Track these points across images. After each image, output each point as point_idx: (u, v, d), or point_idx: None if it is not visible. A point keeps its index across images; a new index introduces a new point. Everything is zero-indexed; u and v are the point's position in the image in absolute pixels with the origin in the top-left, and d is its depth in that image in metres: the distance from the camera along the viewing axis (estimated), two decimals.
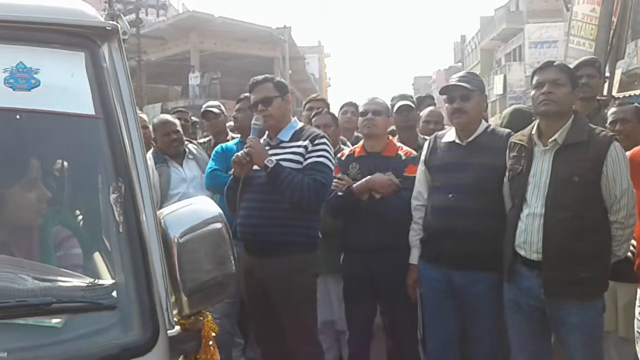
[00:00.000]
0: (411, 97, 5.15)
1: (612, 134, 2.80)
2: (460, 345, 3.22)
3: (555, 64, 2.88)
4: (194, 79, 26.10)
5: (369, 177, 3.41)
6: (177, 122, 4.60)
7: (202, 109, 5.10)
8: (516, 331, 2.92)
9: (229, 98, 4.66)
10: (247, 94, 4.28)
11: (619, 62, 7.79)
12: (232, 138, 4.59)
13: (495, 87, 35.37)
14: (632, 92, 11.40)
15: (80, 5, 1.55)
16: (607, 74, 6.51)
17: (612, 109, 3.45)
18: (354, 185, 3.42)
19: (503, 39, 40.56)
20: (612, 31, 6.97)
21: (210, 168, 4.14)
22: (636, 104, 3.53)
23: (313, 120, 4.15)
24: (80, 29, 1.48)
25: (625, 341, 3.01)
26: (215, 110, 4.94)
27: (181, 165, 4.45)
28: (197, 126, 6.93)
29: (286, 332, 3.21)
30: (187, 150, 4.59)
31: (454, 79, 3.18)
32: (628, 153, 2.83)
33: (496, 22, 40.78)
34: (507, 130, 3.27)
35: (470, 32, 52.12)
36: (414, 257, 3.29)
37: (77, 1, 1.58)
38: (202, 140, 5.45)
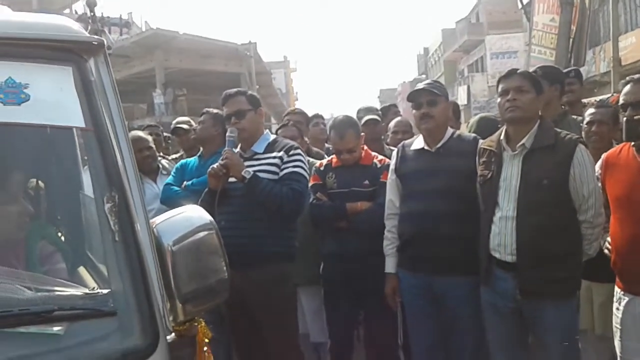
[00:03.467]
0: (377, 109, 5.28)
1: (577, 137, 2.90)
2: (444, 348, 3.27)
3: (518, 71, 2.97)
4: (158, 97, 25.90)
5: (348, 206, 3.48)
6: (149, 138, 4.60)
7: (172, 126, 5.12)
8: (494, 333, 2.97)
9: (196, 114, 4.69)
10: (210, 109, 4.33)
11: (580, 69, 8.04)
12: None
13: (460, 97, 35.95)
14: (592, 99, 11.70)
15: (66, 21, 1.58)
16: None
17: (591, 110, 3.49)
18: (348, 205, 3.48)
19: (465, 51, 41.36)
20: (571, 40, 7.21)
21: (165, 183, 4.16)
22: (614, 107, 3.59)
23: (279, 132, 4.22)
24: (67, 44, 1.50)
25: (602, 339, 3.09)
26: (185, 126, 4.96)
27: (155, 181, 4.45)
28: (169, 141, 6.91)
29: (268, 342, 3.22)
30: (160, 166, 4.59)
31: (420, 86, 3.27)
32: (603, 155, 2.92)
33: (458, 34, 41.61)
34: (473, 134, 3.38)
35: (433, 44, 52.98)
36: (390, 266, 3.32)
37: (62, 17, 1.61)
38: (174, 156, 5.45)
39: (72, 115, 1.43)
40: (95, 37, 1.56)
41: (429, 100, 3.16)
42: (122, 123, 1.50)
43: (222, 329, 3.82)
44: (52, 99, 1.45)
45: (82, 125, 1.43)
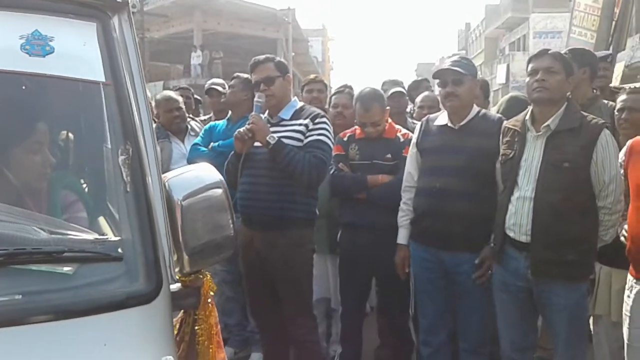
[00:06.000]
0: (402, 82, 5.25)
1: (603, 121, 2.86)
2: (451, 322, 3.32)
3: (550, 52, 2.93)
4: (196, 58, 26.04)
5: (369, 178, 3.52)
6: (179, 99, 4.69)
7: (207, 86, 5.17)
8: (504, 311, 3.00)
9: (231, 78, 4.70)
10: (239, 74, 4.37)
11: (620, 54, 7.80)
12: None
13: (499, 76, 35.28)
14: (634, 85, 11.35)
15: None
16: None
17: (622, 96, 3.41)
18: (369, 177, 3.52)
19: (508, 28, 40.39)
20: (613, 23, 6.98)
21: (193, 143, 4.24)
22: None
23: (333, 97, 4.23)
24: (93, 1, 1.55)
25: (616, 325, 3.09)
26: (219, 88, 5.00)
27: (183, 141, 4.55)
28: (200, 104, 7.00)
29: (282, 304, 3.31)
30: (189, 127, 4.68)
31: (446, 64, 3.24)
32: (629, 141, 2.88)
33: (501, 11, 40.58)
34: (498, 115, 3.35)
35: (475, 20, 51.84)
36: (402, 237, 3.36)
37: None
38: (203, 118, 5.54)
39: (93, 69, 1.49)
40: None
41: (455, 79, 3.14)
42: (141, 80, 1.56)
43: (239, 289, 3.93)
44: (75, 52, 1.51)
45: (103, 79, 1.49)
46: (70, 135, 1.63)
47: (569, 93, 2.92)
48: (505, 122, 3.12)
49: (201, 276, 1.59)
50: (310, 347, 3.39)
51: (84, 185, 1.65)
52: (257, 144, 3.25)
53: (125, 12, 1.60)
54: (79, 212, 1.59)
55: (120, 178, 1.41)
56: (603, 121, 2.88)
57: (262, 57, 3.47)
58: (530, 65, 2.91)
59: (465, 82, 3.14)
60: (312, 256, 3.39)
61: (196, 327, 1.61)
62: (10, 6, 1.52)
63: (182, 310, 1.62)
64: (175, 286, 1.49)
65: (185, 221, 1.51)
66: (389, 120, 3.73)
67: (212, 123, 4.50)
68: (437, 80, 3.32)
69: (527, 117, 2.91)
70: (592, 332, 3.26)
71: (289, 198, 3.22)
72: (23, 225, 1.33)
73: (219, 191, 1.58)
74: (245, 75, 4.20)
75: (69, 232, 1.37)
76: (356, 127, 3.76)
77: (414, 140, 3.38)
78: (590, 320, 3.23)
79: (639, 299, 2.68)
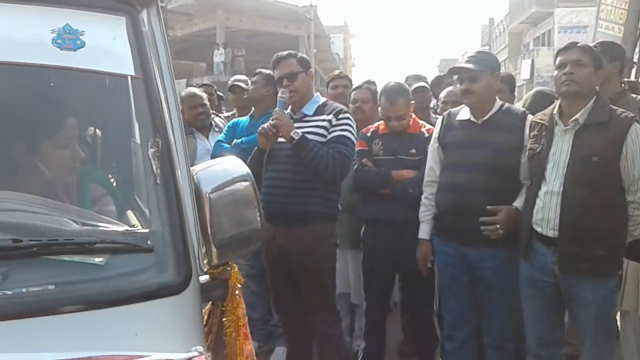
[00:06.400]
0: (425, 77, 5.22)
1: (633, 115, 2.82)
2: (475, 318, 3.30)
3: (578, 44, 2.89)
4: (218, 56, 26.19)
5: (393, 173, 3.50)
6: (204, 95, 4.72)
7: (230, 82, 5.20)
8: (530, 307, 2.98)
9: (253, 75, 4.71)
10: (262, 70, 4.39)
11: None
12: None
13: (523, 71, 34.89)
14: None
15: None
16: (636, 59, 6.42)
17: None
18: (393, 173, 3.50)
19: (532, 23, 39.92)
20: None
21: (216, 140, 4.26)
22: None
23: (352, 94, 4.23)
24: None
25: None
26: (242, 84, 5.02)
27: (207, 137, 4.58)
28: (223, 101, 7.05)
29: (305, 298, 3.33)
30: (213, 123, 4.72)
31: (462, 61, 3.21)
32: None
33: (526, 6, 40.08)
34: (522, 109, 3.32)
35: (498, 15, 51.34)
36: (424, 232, 3.34)
37: None
38: (227, 114, 5.58)
39: (123, 63, 1.51)
40: None
41: (470, 76, 3.11)
42: (170, 73, 1.57)
43: (263, 284, 3.96)
44: (105, 46, 1.53)
45: (132, 73, 1.51)
46: (100, 129, 1.65)
47: (597, 87, 2.88)
48: (530, 116, 3.09)
49: (229, 268, 1.61)
50: (333, 342, 3.40)
51: (114, 179, 1.67)
52: (280, 139, 3.27)
53: (154, 6, 1.62)
54: (108, 205, 1.61)
55: (150, 171, 1.43)
56: (633, 115, 2.84)
57: (284, 53, 3.48)
58: (558, 59, 2.88)
59: (481, 78, 3.10)
60: (335, 251, 3.40)
61: (224, 319, 1.63)
62: (41, 1, 1.55)
63: (210, 302, 1.64)
64: (203, 278, 1.50)
65: (213, 214, 1.53)
66: (413, 115, 3.71)
67: (235, 120, 4.52)
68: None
69: (555, 111, 2.88)
70: (620, 328, 3.23)
71: (312, 193, 3.23)
72: (55, 217, 1.36)
73: (247, 184, 1.60)
74: (268, 71, 4.21)
75: (100, 224, 1.40)
76: (380, 122, 3.75)
77: (435, 135, 3.36)
78: (618, 316, 3.19)
79: None
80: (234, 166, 1.64)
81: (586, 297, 2.75)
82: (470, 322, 3.28)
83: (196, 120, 4.57)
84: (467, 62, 3.15)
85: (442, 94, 4.52)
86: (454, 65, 3.61)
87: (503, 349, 3.21)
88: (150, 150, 1.43)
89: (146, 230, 1.41)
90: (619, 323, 3.22)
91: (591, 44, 3.14)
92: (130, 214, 1.58)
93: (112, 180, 1.71)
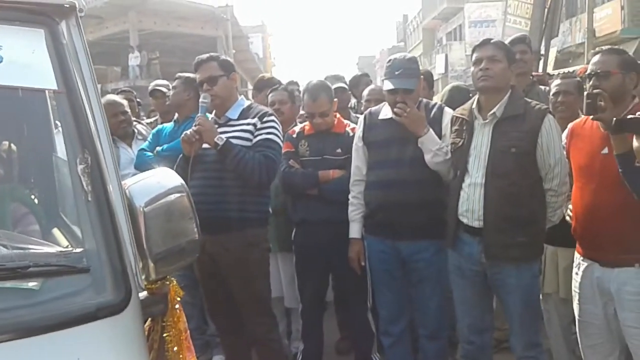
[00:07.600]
0: (343, 78, 5.30)
1: (545, 107, 2.97)
2: (409, 311, 3.38)
3: (492, 41, 3.02)
4: (134, 59, 25.45)
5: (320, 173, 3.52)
6: (124, 102, 4.56)
7: (151, 87, 5.07)
8: (460, 294, 3.08)
9: (170, 78, 4.60)
10: (182, 74, 4.30)
11: (553, 40, 8.10)
12: None
13: (437, 66, 35.94)
14: (566, 70, 11.84)
15: None
16: (543, 52, 6.79)
17: (556, 81, 3.58)
18: (320, 173, 3.52)
19: (444, 19, 41.13)
20: (546, 10, 7.26)
21: (139, 149, 4.16)
22: (578, 78, 3.70)
23: (269, 96, 4.21)
24: (40, 7, 1.51)
25: (565, 302, 3.23)
26: (164, 89, 4.91)
27: (130, 146, 4.43)
28: (140, 106, 6.85)
29: (240, 305, 3.29)
30: (136, 131, 4.57)
31: (393, 83, 3.17)
32: (569, 125, 3.00)
33: (437, 2, 41.28)
34: (438, 102, 3.45)
35: (412, 11, 52.60)
36: (355, 231, 3.37)
37: None
38: (149, 120, 5.43)
39: (44, 77, 1.45)
40: None
41: (405, 90, 3.16)
42: (94, 85, 1.52)
43: (196, 293, 3.89)
44: (24, 61, 1.46)
45: (55, 87, 1.45)
46: (22, 146, 1.58)
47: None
48: (448, 109, 3.23)
49: (167, 282, 1.58)
50: (271, 346, 3.39)
51: (39, 198, 1.60)
52: (205, 145, 3.21)
53: (73, 17, 1.56)
54: (31, 224, 1.55)
55: (80, 188, 1.38)
56: (546, 107, 3.00)
57: (205, 56, 3.40)
58: (474, 55, 2.99)
59: (416, 91, 3.20)
60: (268, 255, 3.39)
61: (164, 334, 1.59)
62: None
63: (149, 318, 1.60)
64: (142, 294, 1.47)
65: (148, 228, 1.49)
66: (338, 115, 3.75)
67: (159, 126, 4.41)
68: (378, 75, 3.36)
69: (474, 106, 2.99)
70: (543, 310, 3.40)
71: (240, 199, 3.20)
72: None
73: (181, 195, 1.57)
74: (187, 75, 4.14)
75: (31, 247, 1.34)
76: (305, 123, 3.76)
77: (358, 134, 3.40)
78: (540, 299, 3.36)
79: (586, 275, 2.79)
80: (167, 178, 1.61)
81: (512, 282, 2.88)
82: (406, 315, 3.36)
83: (118, 129, 4.40)
84: (399, 76, 3.16)
85: (365, 92, 4.58)
86: (374, 61, 3.68)
87: (438, 339, 3.31)
88: (80, 167, 1.37)
89: (80, 250, 1.36)
90: (542, 305, 3.38)
91: (500, 38, 3.30)
92: (57, 232, 1.52)
93: (34, 198, 1.64)
